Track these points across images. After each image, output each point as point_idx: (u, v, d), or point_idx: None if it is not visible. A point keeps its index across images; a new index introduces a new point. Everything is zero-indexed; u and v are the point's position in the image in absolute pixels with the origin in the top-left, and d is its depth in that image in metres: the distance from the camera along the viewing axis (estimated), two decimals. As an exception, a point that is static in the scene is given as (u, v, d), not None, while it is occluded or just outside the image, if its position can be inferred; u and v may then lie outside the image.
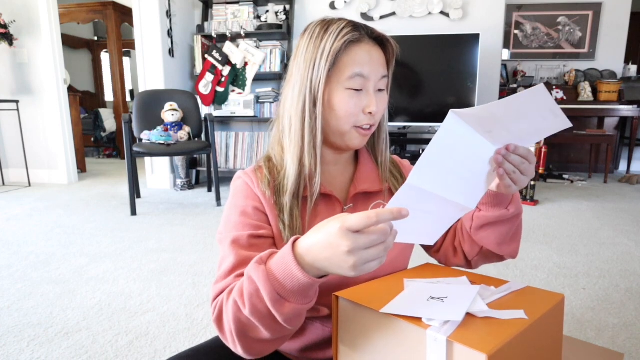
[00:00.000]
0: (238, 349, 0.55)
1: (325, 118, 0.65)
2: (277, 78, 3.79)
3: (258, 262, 0.51)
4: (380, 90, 0.67)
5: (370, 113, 0.65)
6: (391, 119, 3.37)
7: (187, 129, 3.01)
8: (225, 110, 3.64)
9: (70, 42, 6.29)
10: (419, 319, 0.48)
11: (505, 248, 0.69)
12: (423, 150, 3.64)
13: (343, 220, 0.43)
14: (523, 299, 0.56)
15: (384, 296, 0.55)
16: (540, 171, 2.98)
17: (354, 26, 0.64)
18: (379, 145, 0.74)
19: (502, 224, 0.66)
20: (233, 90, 3.67)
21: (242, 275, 0.59)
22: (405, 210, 0.44)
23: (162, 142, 2.78)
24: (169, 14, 3.48)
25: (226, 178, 3.97)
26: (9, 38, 3.48)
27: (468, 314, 0.50)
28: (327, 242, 0.44)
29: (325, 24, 0.65)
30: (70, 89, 5.25)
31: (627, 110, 4.03)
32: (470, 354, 0.43)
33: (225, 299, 0.56)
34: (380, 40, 0.67)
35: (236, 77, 3.66)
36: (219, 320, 0.56)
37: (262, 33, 3.60)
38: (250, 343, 0.54)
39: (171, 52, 3.54)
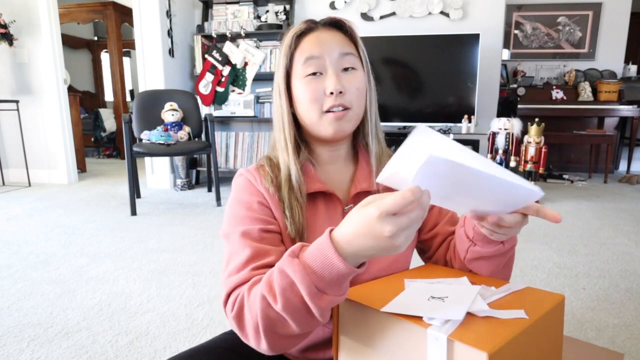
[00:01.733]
0: (262, 346, 0.53)
1: (299, 114, 0.67)
2: (277, 78, 3.79)
3: (291, 255, 0.49)
4: (346, 69, 0.65)
5: (332, 93, 0.63)
6: (391, 119, 3.40)
7: (187, 129, 3.01)
8: (225, 110, 3.64)
9: (70, 42, 6.29)
10: (420, 318, 0.48)
11: (497, 275, 0.67)
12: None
13: (379, 206, 0.42)
14: (523, 299, 0.56)
15: (384, 296, 0.55)
16: (540, 171, 2.98)
17: (307, 21, 0.67)
18: (365, 137, 0.71)
19: (497, 257, 0.64)
20: (233, 90, 3.67)
21: (258, 268, 0.58)
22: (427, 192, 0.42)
23: (162, 142, 2.78)
24: (169, 14, 3.48)
25: (226, 178, 3.97)
26: (9, 38, 3.48)
27: (468, 314, 0.50)
28: (368, 231, 0.43)
29: (289, 28, 0.68)
30: (70, 89, 5.24)
31: (627, 110, 4.02)
32: (470, 353, 0.43)
33: (246, 294, 0.54)
34: (334, 25, 0.68)
35: (236, 77, 3.66)
36: (239, 317, 0.54)
37: (262, 33, 3.60)
38: (278, 339, 0.52)
39: (171, 52, 3.54)
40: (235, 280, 0.57)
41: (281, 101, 0.68)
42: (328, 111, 0.64)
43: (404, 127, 3.50)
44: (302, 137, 0.71)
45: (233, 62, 3.58)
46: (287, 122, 0.67)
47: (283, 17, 3.65)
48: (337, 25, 0.68)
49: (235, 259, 0.60)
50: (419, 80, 3.33)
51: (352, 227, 0.44)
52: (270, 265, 0.56)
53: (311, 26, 0.67)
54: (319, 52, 0.64)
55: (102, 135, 6.00)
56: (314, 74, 0.64)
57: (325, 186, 0.68)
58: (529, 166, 2.93)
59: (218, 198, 2.97)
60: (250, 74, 3.62)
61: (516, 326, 0.48)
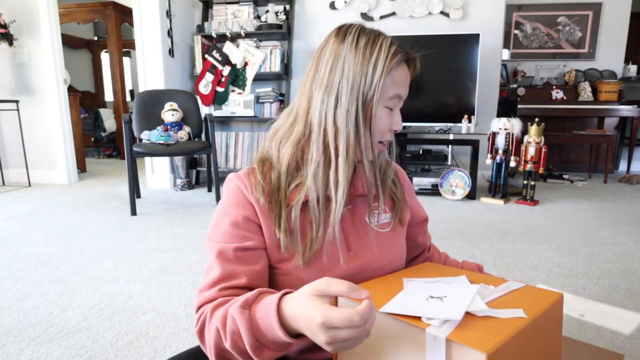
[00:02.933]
0: None
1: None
2: (277, 78, 3.79)
3: (243, 305, 0.53)
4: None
5: (395, 130, 0.68)
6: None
7: (187, 129, 3.01)
8: (225, 110, 3.64)
9: (70, 42, 6.29)
10: (419, 318, 0.48)
11: None
12: (423, 151, 3.65)
13: (324, 315, 0.44)
14: (522, 298, 0.57)
15: (383, 296, 0.55)
16: (540, 171, 2.98)
17: (399, 46, 0.66)
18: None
19: None
20: (233, 90, 3.67)
21: (226, 288, 0.61)
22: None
23: (162, 142, 2.78)
24: (169, 14, 3.48)
25: (226, 178, 3.97)
26: (9, 38, 3.48)
27: (467, 313, 0.50)
28: (309, 328, 0.46)
29: (370, 35, 0.64)
30: (70, 89, 5.25)
31: (627, 110, 4.02)
32: (469, 353, 0.43)
33: (208, 316, 0.59)
34: (410, 60, 0.68)
35: (236, 77, 3.66)
36: (201, 334, 0.60)
37: (262, 33, 3.60)
38: None
39: (171, 52, 3.54)
40: (203, 298, 0.62)
41: (357, 111, 0.62)
42: (381, 142, 0.68)
43: (404, 127, 3.50)
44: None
45: (233, 62, 3.58)
46: (362, 135, 0.63)
47: (283, 17, 3.65)
48: (412, 62, 0.68)
49: (208, 275, 0.64)
50: (418, 80, 3.33)
51: (298, 312, 0.48)
52: (239, 287, 0.62)
53: (405, 57, 0.66)
54: (404, 93, 0.67)
55: (102, 135, 6.00)
56: (392, 109, 0.67)
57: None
58: (529, 166, 2.93)
59: (218, 198, 2.97)
60: (250, 74, 3.62)
61: (514, 325, 0.48)
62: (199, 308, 0.63)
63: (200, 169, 3.80)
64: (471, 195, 3.13)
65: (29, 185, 3.70)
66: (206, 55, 3.61)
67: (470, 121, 3.18)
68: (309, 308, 0.46)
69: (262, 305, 0.52)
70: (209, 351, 0.58)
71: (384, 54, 0.62)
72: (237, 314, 0.52)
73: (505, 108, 3.67)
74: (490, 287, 0.60)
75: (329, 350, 0.46)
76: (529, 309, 0.52)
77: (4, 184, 3.79)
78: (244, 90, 3.67)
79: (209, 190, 3.52)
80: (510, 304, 0.54)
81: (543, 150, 2.92)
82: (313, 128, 0.65)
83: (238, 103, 3.62)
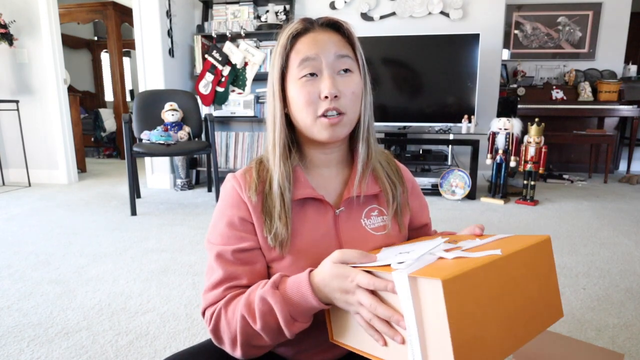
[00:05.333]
0: (237, 353, 0.61)
1: (293, 116, 0.66)
2: (277, 78, 3.79)
3: (272, 286, 0.57)
4: (343, 71, 0.64)
5: (327, 97, 0.61)
6: (391, 119, 3.40)
7: (187, 129, 3.01)
8: (225, 110, 3.64)
9: (70, 42, 6.29)
10: (388, 265, 0.50)
11: None
12: (423, 151, 3.64)
13: (357, 274, 0.51)
14: (506, 243, 0.56)
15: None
16: (540, 171, 2.98)
17: (303, 20, 0.65)
18: (357, 142, 0.70)
19: None
20: (233, 90, 3.67)
21: (231, 288, 0.63)
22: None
23: (162, 142, 2.78)
24: (169, 14, 3.48)
25: (225, 178, 3.97)
26: (9, 38, 3.48)
27: (441, 258, 0.50)
28: (340, 286, 0.53)
29: (284, 26, 0.66)
30: (70, 89, 5.24)
31: (627, 110, 4.02)
32: (428, 284, 0.43)
33: (222, 312, 0.61)
34: (332, 25, 0.66)
35: (236, 77, 3.66)
36: (216, 330, 0.61)
37: (262, 33, 3.60)
38: (252, 349, 0.60)
39: (171, 52, 3.54)
40: (210, 299, 0.64)
41: (275, 102, 0.66)
42: (323, 115, 0.63)
43: (404, 127, 3.50)
44: (294, 140, 0.69)
45: (233, 62, 3.58)
46: (280, 124, 0.66)
47: (283, 17, 3.65)
48: (335, 26, 0.66)
49: (211, 276, 0.65)
50: (419, 80, 3.33)
51: (328, 277, 0.54)
52: (241, 286, 0.64)
53: (307, 26, 0.64)
54: (315, 54, 0.62)
55: (102, 135, 5.99)
56: (310, 74, 0.62)
57: (314, 192, 0.67)
58: (529, 166, 2.93)
59: (218, 198, 2.97)
60: (250, 74, 3.62)
61: (484, 260, 0.47)
62: (205, 308, 0.64)
63: (200, 169, 3.80)
64: (471, 195, 3.13)
65: (29, 185, 3.70)
66: (206, 55, 3.61)
67: (470, 121, 3.18)
68: (340, 269, 0.53)
69: (291, 283, 0.57)
70: (230, 342, 0.60)
71: (284, 34, 0.65)
72: (268, 294, 0.56)
73: (505, 108, 3.67)
74: (476, 240, 0.60)
75: (343, 307, 0.54)
76: (508, 249, 0.51)
77: (4, 184, 3.79)
78: (244, 90, 3.67)
79: (209, 190, 3.52)
80: (492, 248, 0.53)
81: (543, 150, 2.92)
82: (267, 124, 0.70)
83: (238, 103, 3.62)
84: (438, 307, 0.42)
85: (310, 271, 0.57)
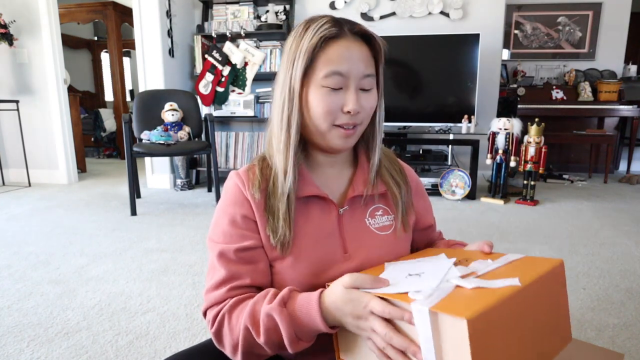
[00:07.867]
0: (237, 359, 0.61)
1: (305, 118, 0.64)
2: (277, 78, 3.79)
3: (280, 304, 0.56)
4: (364, 90, 0.64)
5: (349, 112, 0.62)
6: (391, 119, 3.40)
7: (187, 129, 3.01)
8: (225, 110, 3.64)
9: (70, 42, 6.28)
10: (405, 294, 0.48)
11: None
12: (423, 151, 3.65)
13: (372, 301, 0.50)
14: (520, 268, 0.55)
15: None
16: (540, 171, 2.98)
17: (335, 22, 0.62)
18: (373, 148, 0.71)
19: None
20: (233, 90, 3.67)
21: (234, 288, 0.62)
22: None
23: (162, 142, 2.78)
24: (169, 14, 3.48)
25: (226, 178, 3.97)
26: (9, 38, 3.47)
27: (459, 287, 0.49)
28: (352, 312, 0.52)
29: (308, 22, 0.63)
30: (70, 89, 5.24)
31: (627, 110, 4.02)
32: (451, 321, 0.43)
33: (226, 317, 0.60)
34: (364, 37, 0.64)
35: (236, 77, 3.66)
36: (219, 334, 0.61)
37: (262, 33, 3.60)
38: (252, 356, 0.61)
39: (171, 52, 3.54)
40: (212, 299, 0.63)
41: (293, 102, 0.63)
42: (339, 126, 0.63)
43: (404, 127, 3.50)
44: (299, 138, 0.69)
45: (233, 62, 3.58)
46: (295, 125, 0.63)
47: (283, 17, 3.65)
48: (366, 37, 0.64)
49: (213, 275, 0.65)
50: (419, 80, 3.33)
51: (340, 302, 0.53)
52: (244, 286, 0.63)
53: (339, 31, 0.62)
54: (347, 70, 0.61)
55: (102, 135, 6.00)
56: (335, 89, 0.62)
57: (319, 190, 0.67)
58: (529, 166, 2.93)
59: (218, 198, 2.97)
60: (250, 74, 3.62)
61: (504, 292, 0.46)
62: (207, 308, 0.64)
63: (200, 169, 3.80)
64: (471, 195, 3.13)
65: (29, 185, 3.70)
66: (206, 55, 3.61)
67: (470, 121, 3.18)
68: (352, 294, 0.52)
69: (300, 302, 0.56)
70: (231, 348, 0.60)
71: (311, 32, 0.61)
72: (275, 312, 0.55)
73: (505, 108, 3.67)
74: (488, 261, 0.59)
75: (355, 332, 0.53)
76: (524, 276, 0.50)
77: (4, 184, 3.79)
78: (244, 90, 3.67)
79: (209, 190, 3.52)
80: (507, 274, 0.52)
81: (543, 150, 2.92)
82: (272, 121, 0.68)
83: (238, 103, 3.62)
84: (461, 344, 0.42)
85: (321, 292, 0.56)
